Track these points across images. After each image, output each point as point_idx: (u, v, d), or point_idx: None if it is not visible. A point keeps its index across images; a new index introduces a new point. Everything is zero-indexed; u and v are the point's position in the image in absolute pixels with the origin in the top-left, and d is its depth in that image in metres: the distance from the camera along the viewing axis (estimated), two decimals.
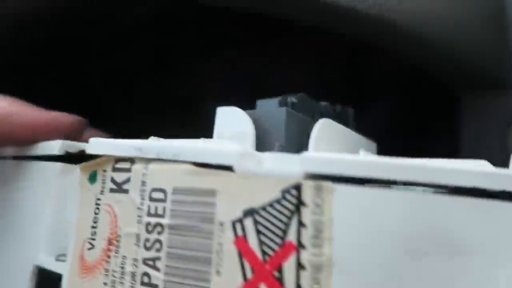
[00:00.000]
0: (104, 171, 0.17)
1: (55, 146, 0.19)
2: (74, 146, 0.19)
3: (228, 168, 0.14)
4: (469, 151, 0.22)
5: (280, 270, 0.13)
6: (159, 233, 0.15)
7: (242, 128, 0.17)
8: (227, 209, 0.14)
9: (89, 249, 0.16)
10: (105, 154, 0.17)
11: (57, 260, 0.18)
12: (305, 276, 0.13)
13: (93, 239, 0.16)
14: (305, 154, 0.14)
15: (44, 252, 0.18)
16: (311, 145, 0.16)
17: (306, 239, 0.13)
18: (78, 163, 0.19)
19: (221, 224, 0.14)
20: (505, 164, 0.17)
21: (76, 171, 0.19)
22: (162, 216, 0.15)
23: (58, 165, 0.19)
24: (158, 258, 0.15)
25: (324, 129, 0.17)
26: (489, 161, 0.16)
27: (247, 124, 0.17)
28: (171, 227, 0.15)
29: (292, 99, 0.18)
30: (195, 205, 0.15)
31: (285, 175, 0.14)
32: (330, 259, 0.13)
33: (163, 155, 0.15)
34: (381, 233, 0.12)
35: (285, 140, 0.17)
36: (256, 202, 0.14)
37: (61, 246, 0.18)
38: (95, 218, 0.17)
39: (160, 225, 0.15)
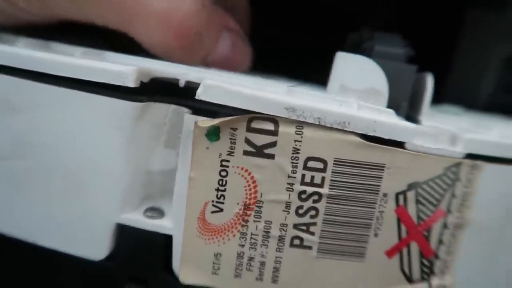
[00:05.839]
0: (233, 129, 0.13)
1: (128, 74, 0.13)
2: (159, 72, 0.14)
3: (399, 143, 0.14)
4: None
5: (428, 230, 0.15)
6: (315, 201, 0.14)
7: (374, 84, 0.15)
8: (393, 182, 0.14)
9: (214, 212, 0.14)
10: (231, 106, 0.13)
11: (148, 217, 0.14)
12: (447, 233, 0.15)
13: (221, 203, 0.14)
14: (467, 137, 0.14)
15: (124, 208, 0.14)
16: (426, 104, 0.16)
17: (454, 206, 0.15)
18: (153, 95, 0.14)
19: (385, 195, 0.14)
20: None
21: (153, 109, 0.14)
22: (320, 185, 0.14)
23: (134, 105, 0.13)
24: (313, 224, 0.14)
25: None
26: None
27: (381, 81, 0.15)
28: (331, 196, 0.14)
29: (409, 50, 0.16)
30: (359, 177, 0.14)
31: (449, 155, 0.14)
32: (467, 221, 0.15)
33: (326, 123, 0.13)
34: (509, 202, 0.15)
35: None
36: (421, 177, 0.14)
37: (139, 200, 0.15)
38: (221, 181, 0.14)
39: (318, 194, 0.14)
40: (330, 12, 0.30)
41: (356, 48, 0.20)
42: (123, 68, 0.13)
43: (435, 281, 0.15)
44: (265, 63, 0.21)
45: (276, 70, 0.22)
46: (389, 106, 0.15)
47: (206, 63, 0.16)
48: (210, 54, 0.16)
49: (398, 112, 0.15)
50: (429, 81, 0.17)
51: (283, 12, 0.29)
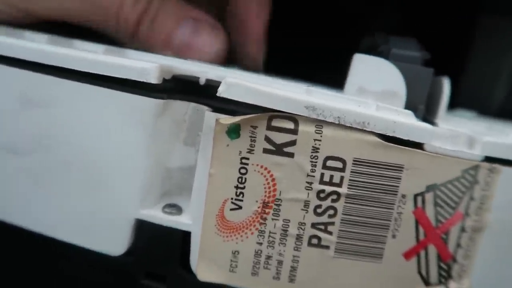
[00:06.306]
0: (254, 127, 0.13)
1: (151, 71, 0.13)
2: (180, 70, 0.14)
3: (417, 144, 0.14)
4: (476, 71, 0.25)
5: (447, 233, 0.15)
6: (333, 200, 0.14)
7: (392, 87, 0.15)
8: (412, 183, 0.14)
9: (233, 209, 0.14)
10: (252, 103, 0.13)
11: (166, 213, 0.14)
12: (465, 236, 0.15)
13: (240, 200, 0.14)
14: (485, 140, 0.14)
15: (144, 204, 0.14)
16: (442, 107, 0.16)
17: (472, 209, 0.15)
18: (173, 93, 0.14)
19: (403, 196, 0.14)
20: None
21: (174, 106, 0.14)
22: (338, 185, 0.14)
23: (156, 102, 0.13)
24: (331, 223, 0.14)
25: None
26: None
27: (399, 83, 0.15)
28: (349, 196, 0.14)
29: (426, 54, 0.16)
30: (378, 177, 0.14)
31: (467, 157, 0.14)
32: (485, 224, 0.15)
33: (345, 122, 0.13)
34: None
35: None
36: (439, 179, 0.14)
37: (158, 196, 0.15)
38: (241, 178, 0.14)
39: (336, 193, 0.14)
40: (338, 13, 0.30)
41: (370, 52, 0.20)
42: (146, 65, 0.13)
43: (452, 285, 0.15)
44: (273, 63, 0.21)
45: (283, 70, 0.22)
46: (406, 108, 0.15)
47: (172, 48, 0.17)
48: (171, 38, 0.17)
49: (415, 114, 0.15)
50: (446, 85, 0.17)
51: (290, 12, 0.29)
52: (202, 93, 0.14)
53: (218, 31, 0.17)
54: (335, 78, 0.20)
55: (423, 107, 0.16)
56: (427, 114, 0.17)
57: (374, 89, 0.15)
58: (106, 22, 0.17)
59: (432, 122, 0.16)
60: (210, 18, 0.18)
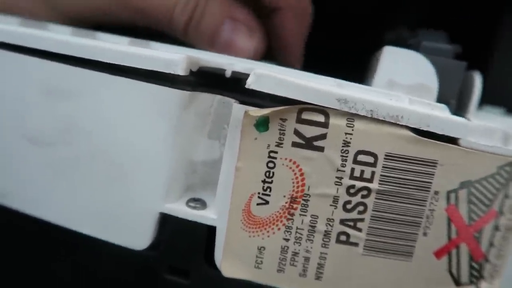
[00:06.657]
0: (283, 120, 0.13)
1: (179, 62, 0.13)
2: (206, 62, 0.13)
3: (452, 140, 0.13)
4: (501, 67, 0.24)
5: (479, 231, 0.14)
6: (363, 196, 0.13)
7: (424, 80, 0.14)
8: (445, 180, 0.13)
9: (259, 204, 0.14)
10: (281, 95, 0.13)
11: (191, 207, 0.14)
12: (498, 235, 0.14)
13: (267, 195, 0.13)
14: None
15: (168, 198, 0.14)
16: (473, 103, 0.16)
17: (506, 207, 0.14)
18: (199, 85, 0.13)
19: (436, 193, 0.14)
20: None
21: (199, 98, 0.14)
22: (369, 180, 0.13)
23: (182, 94, 0.13)
24: (361, 220, 0.14)
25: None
26: None
27: (431, 77, 0.14)
28: (380, 192, 0.13)
29: (457, 47, 0.15)
30: (410, 173, 0.13)
31: (503, 153, 0.13)
32: None
33: (378, 115, 0.13)
34: None
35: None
36: (474, 175, 0.14)
37: (182, 190, 0.14)
38: (268, 172, 0.13)
39: (367, 189, 0.13)
40: (359, 14, 0.29)
41: (398, 46, 0.19)
42: (173, 56, 0.13)
43: (483, 285, 0.14)
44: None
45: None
46: (438, 103, 0.15)
47: (216, 47, 0.18)
48: (214, 37, 0.18)
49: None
50: (477, 79, 0.16)
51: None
52: (228, 86, 0.14)
53: (253, 32, 0.18)
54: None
55: (455, 102, 0.15)
56: (457, 110, 0.16)
57: (404, 83, 0.15)
58: (161, 24, 0.17)
59: (463, 118, 0.15)
60: (248, 18, 0.18)
